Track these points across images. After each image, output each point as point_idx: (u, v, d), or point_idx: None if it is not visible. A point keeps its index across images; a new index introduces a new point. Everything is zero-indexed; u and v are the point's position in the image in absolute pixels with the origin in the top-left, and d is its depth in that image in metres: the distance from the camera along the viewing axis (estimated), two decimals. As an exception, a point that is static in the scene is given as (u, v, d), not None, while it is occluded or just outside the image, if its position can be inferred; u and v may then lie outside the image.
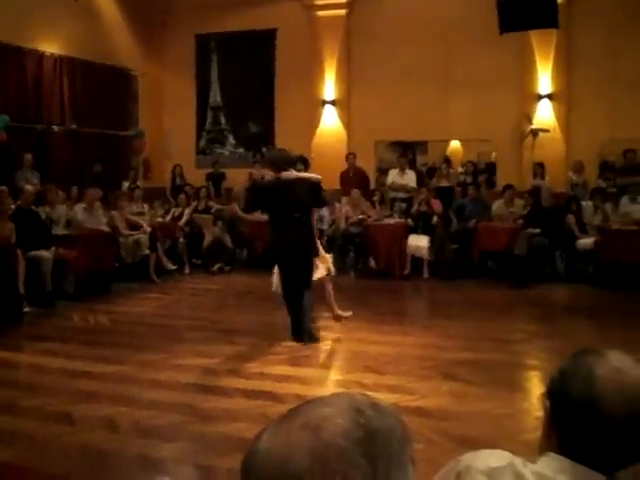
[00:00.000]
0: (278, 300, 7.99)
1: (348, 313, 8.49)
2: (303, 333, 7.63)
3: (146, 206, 12.71)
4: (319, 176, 8.01)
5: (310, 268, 7.75)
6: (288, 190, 7.51)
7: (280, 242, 7.64)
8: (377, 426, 0.96)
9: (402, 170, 13.19)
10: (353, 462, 0.91)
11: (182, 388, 6.05)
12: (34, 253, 9.55)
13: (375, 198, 13.08)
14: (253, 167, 13.83)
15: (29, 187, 10.47)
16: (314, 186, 7.72)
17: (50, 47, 13.27)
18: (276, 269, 7.91)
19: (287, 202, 7.51)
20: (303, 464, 0.89)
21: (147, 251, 11.64)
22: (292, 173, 7.74)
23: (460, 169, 14.51)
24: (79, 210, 11.05)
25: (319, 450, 0.91)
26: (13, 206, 10.00)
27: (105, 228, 11.21)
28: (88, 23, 14.01)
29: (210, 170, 14.93)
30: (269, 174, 7.97)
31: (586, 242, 11.16)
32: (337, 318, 8.41)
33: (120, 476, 4.28)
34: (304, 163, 8.81)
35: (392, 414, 1.00)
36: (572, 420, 1.39)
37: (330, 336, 8.10)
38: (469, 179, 13.80)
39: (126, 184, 13.80)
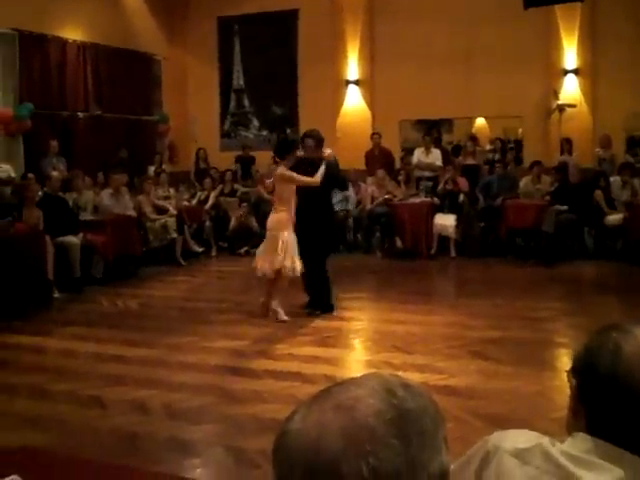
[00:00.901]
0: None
1: (284, 317, 7.82)
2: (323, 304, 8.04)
3: (172, 190, 12.74)
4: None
5: (326, 244, 8.19)
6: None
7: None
8: (409, 406, 0.95)
9: (427, 149, 13.12)
10: (386, 442, 0.90)
11: (211, 370, 6.09)
12: (62, 239, 9.63)
13: (400, 177, 13.00)
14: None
15: (56, 174, 10.55)
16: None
17: (73, 34, 13.30)
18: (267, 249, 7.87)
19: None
20: (336, 445, 0.90)
21: (174, 234, 11.69)
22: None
23: (488, 146, 14.37)
24: (106, 195, 11.11)
25: (351, 430, 0.91)
26: (40, 193, 10.07)
27: (132, 213, 11.27)
28: (110, 9, 14.03)
29: (239, 153, 14.90)
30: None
31: (615, 218, 11.04)
32: (267, 310, 8.00)
33: (151, 458, 4.31)
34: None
35: (424, 394, 1.00)
36: (599, 397, 1.37)
37: (358, 316, 8.11)
38: (497, 156, 13.67)
39: (152, 169, 13.83)
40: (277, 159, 8.45)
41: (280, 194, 7.82)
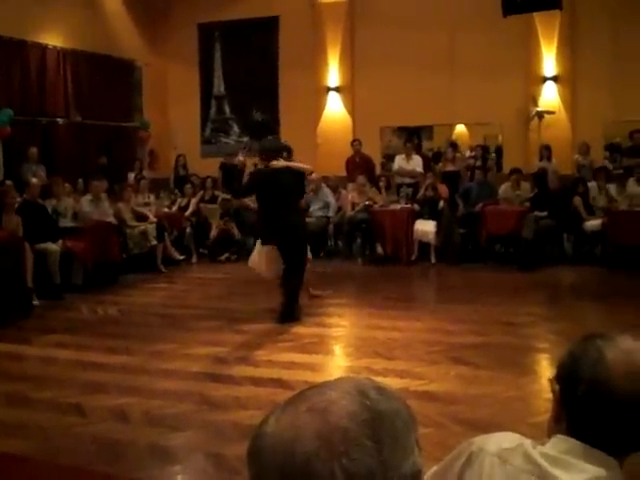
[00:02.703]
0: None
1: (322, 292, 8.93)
2: (285, 314, 8.01)
3: (152, 197, 12.71)
4: (309, 167, 8.64)
5: (304, 251, 8.22)
6: (279, 178, 7.95)
7: (278, 226, 7.95)
8: (382, 408, 0.97)
9: (408, 156, 13.17)
10: (359, 443, 0.92)
11: (192, 377, 6.07)
12: (42, 246, 9.58)
13: (381, 184, 13.03)
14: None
15: (35, 180, 10.49)
16: (300, 176, 8.30)
17: (53, 40, 13.27)
18: (260, 248, 8.29)
19: (278, 189, 7.91)
20: (310, 446, 0.91)
21: (154, 242, 11.65)
22: (280, 162, 8.15)
23: (469, 153, 14.43)
24: (85, 202, 11.07)
25: (325, 432, 0.92)
26: (19, 199, 10.02)
27: (112, 219, 11.22)
28: (90, 15, 14.01)
29: (222, 160, 14.85)
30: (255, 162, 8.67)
31: (593, 224, 11.13)
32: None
33: (132, 465, 4.30)
34: (288, 151, 9.01)
35: (397, 397, 1.01)
36: (582, 403, 1.39)
37: (338, 322, 8.13)
38: (478, 163, 13.74)
39: (132, 175, 13.80)
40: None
41: None
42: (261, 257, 8.30)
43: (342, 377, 1.04)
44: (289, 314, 7.99)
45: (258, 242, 8.46)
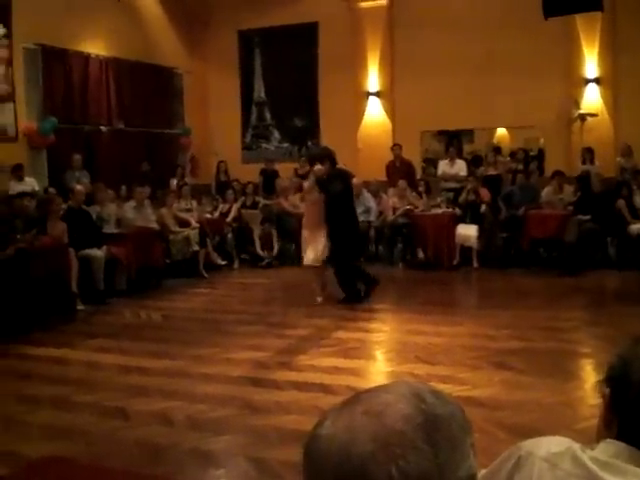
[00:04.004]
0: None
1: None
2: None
3: (194, 202, 12.79)
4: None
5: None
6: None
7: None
8: (438, 412, 0.97)
9: (452, 160, 13.15)
10: (415, 447, 0.92)
11: (234, 381, 6.10)
12: (86, 252, 9.71)
13: (420, 188, 12.98)
14: (299, 162, 13.98)
15: (79, 187, 10.62)
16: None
17: (95, 49, 13.44)
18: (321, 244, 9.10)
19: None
20: (366, 449, 0.91)
21: (196, 247, 11.74)
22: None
23: (506, 158, 14.27)
24: (129, 208, 11.19)
25: (381, 435, 0.92)
26: (64, 206, 10.16)
27: (154, 225, 11.33)
28: (132, 24, 14.17)
29: (263, 166, 14.92)
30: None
31: (638, 227, 10.96)
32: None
33: (174, 469, 4.33)
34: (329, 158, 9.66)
35: (452, 401, 1.02)
36: (633, 407, 1.37)
37: (380, 327, 8.12)
38: (520, 166, 13.62)
39: (174, 181, 13.91)
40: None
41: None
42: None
43: (397, 380, 1.04)
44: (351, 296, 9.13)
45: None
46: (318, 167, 9.16)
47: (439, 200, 12.67)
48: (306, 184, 9.67)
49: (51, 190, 10.81)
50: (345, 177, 9.44)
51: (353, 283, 9.32)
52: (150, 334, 8.05)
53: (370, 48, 14.85)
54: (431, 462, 0.91)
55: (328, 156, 9.25)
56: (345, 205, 9.20)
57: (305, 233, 9.40)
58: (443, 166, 13.22)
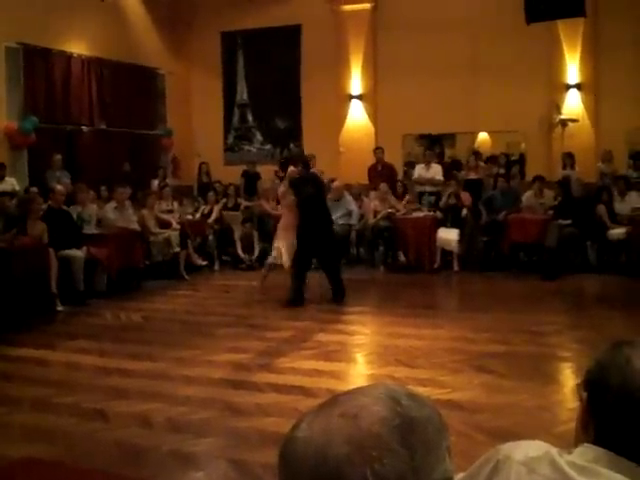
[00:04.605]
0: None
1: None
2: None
3: (176, 204, 12.76)
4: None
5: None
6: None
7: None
8: (414, 415, 0.97)
9: (428, 164, 13.17)
10: (390, 449, 0.92)
11: (214, 384, 6.09)
12: (66, 252, 9.65)
13: (399, 190, 12.99)
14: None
15: (60, 187, 10.57)
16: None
17: (78, 48, 13.39)
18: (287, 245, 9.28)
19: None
20: (342, 451, 0.91)
21: (177, 248, 11.70)
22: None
23: (483, 163, 14.26)
24: (109, 209, 11.14)
25: (357, 437, 0.92)
26: (44, 206, 10.10)
27: (135, 226, 11.28)
28: (115, 23, 14.13)
29: (245, 168, 14.91)
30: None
31: (617, 232, 11.04)
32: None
33: (154, 471, 4.31)
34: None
35: (428, 404, 1.02)
36: (610, 411, 1.38)
37: (361, 330, 8.12)
38: (501, 171, 13.68)
39: (155, 182, 13.87)
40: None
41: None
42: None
43: (374, 383, 1.04)
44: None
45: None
46: (292, 169, 9.29)
47: (418, 205, 12.69)
48: (280, 189, 9.70)
49: (33, 190, 10.74)
50: (316, 181, 9.56)
51: (301, 288, 9.39)
52: (131, 336, 8.01)
53: (353, 51, 14.89)
54: (406, 465, 0.92)
55: (300, 158, 9.38)
56: (318, 208, 9.24)
57: (280, 234, 9.50)
58: (419, 170, 13.25)
